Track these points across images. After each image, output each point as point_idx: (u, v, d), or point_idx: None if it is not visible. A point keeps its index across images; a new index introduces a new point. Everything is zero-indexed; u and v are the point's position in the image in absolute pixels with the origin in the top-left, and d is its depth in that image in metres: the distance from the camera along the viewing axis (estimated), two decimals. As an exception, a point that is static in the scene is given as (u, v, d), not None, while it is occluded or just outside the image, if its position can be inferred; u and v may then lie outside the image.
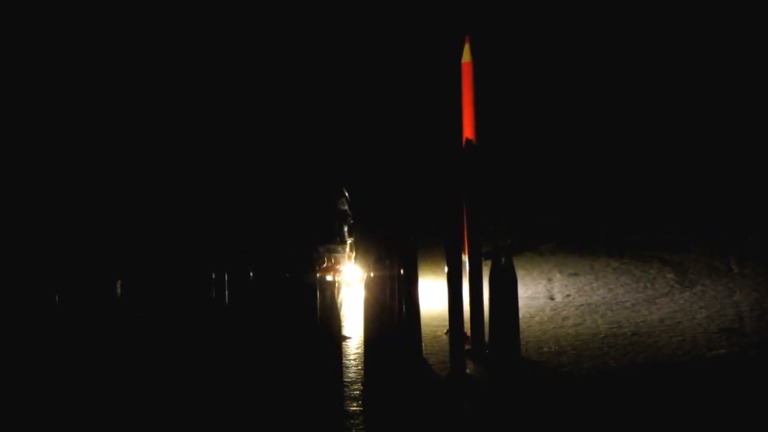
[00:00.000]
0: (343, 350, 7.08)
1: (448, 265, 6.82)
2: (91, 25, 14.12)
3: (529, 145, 15.45)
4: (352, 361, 6.90)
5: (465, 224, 7.15)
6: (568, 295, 9.06)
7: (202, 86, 14.10)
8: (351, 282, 9.16)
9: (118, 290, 7.66)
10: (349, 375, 6.53)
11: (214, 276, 7.10)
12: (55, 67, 13.80)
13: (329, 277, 8.97)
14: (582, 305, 8.61)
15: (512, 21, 15.59)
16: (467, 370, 6.52)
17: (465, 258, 7.10)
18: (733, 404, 5.65)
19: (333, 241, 9.28)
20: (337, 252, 9.30)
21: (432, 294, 9.04)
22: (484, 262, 7.09)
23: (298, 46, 14.68)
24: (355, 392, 6.15)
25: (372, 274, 6.36)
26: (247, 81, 14.28)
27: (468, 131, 7.23)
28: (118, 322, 7.43)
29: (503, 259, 6.36)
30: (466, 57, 7.31)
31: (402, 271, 6.48)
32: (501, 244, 11.12)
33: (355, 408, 5.83)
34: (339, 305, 7.62)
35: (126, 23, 14.32)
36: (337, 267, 9.23)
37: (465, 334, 6.86)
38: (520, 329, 6.62)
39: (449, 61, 7.86)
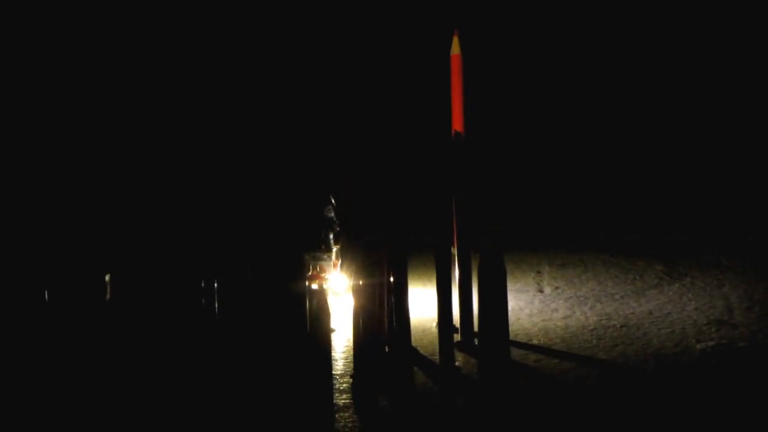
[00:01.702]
0: (332, 343, 7.05)
1: (436, 259, 6.82)
2: (86, 22, 14.08)
3: (529, 145, 15.47)
4: (340, 354, 6.90)
5: (455, 217, 7.15)
6: (557, 288, 9.07)
7: (193, 93, 14.05)
8: (337, 290, 9.05)
9: (113, 289, 7.60)
10: (338, 368, 6.53)
11: (203, 282, 7.06)
12: (52, 65, 13.75)
13: (315, 286, 8.84)
14: (571, 297, 8.62)
15: (502, 12, 15.57)
16: (456, 362, 6.53)
17: (454, 251, 7.10)
18: (721, 395, 5.66)
19: (318, 248, 9.19)
20: (323, 260, 9.20)
21: (422, 292, 9.04)
22: (473, 255, 7.09)
23: (282, 46, 14.63)
24: (344, 385, 6.15)
25: (361, 281, 6.34)
26: (231, 84, 14.23)
27: (457, 124, 7.22)
28: (114, 321, 7.38)
29: (492, 252, 6.35)
30: (455, 49, 7.29)
31: (392, 276, 6.46)
32: (493, 240, 11.12)
33: (345, 401, 5.83)
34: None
35: (121, 21, 14.28)
36: (323, 275, 9.13)
37: (454, 326, 6.86)
38: (510, 321, 6.61)
39: (438, 54, 7.84)
